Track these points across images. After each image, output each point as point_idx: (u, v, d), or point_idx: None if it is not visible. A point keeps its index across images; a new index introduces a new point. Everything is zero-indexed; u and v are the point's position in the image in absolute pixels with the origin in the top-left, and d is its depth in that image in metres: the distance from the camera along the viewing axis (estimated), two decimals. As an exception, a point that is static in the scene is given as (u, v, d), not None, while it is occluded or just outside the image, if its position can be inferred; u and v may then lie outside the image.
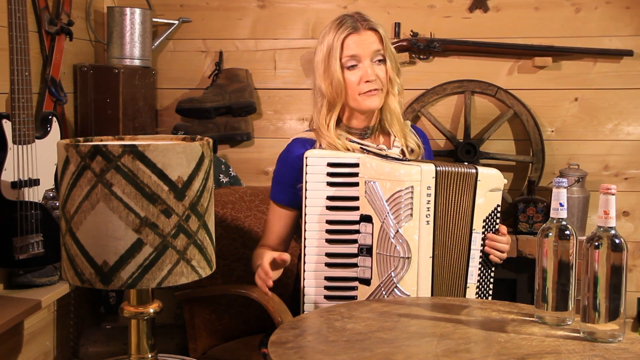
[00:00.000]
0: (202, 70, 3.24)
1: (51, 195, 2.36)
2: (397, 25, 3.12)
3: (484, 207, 2.00)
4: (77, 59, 2.92)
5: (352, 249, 1.96)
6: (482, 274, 2.03)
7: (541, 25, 3.10)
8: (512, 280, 2.99)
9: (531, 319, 1.68)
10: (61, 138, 2.42)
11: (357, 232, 1.96)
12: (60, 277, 2.47)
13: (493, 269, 2.06)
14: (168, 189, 1.74)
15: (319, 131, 2.08)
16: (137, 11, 3.00)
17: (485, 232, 2.01)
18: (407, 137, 2.15)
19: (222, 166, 3.05)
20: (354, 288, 1.96)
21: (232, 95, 3.10)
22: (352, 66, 2.03)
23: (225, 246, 2.44)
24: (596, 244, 1.52)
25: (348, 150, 2.05)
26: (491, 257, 2.03)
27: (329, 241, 1.96)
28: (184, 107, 3.09)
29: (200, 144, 1.81)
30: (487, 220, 2.02)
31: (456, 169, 1.96)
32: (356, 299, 1.95)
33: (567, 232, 1.62)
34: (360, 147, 2.08)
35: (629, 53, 3.04)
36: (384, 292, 1.91)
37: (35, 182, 2.31)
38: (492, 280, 2.06)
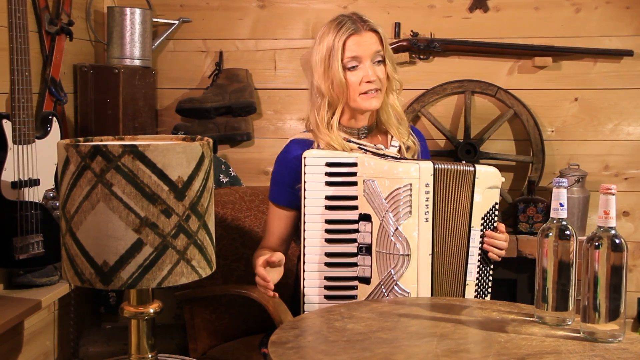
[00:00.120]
0: (202, 70, 3.24)
1: (51, 195, 2.36)
2: (397, 25, 3.12)
3: (482, 205, 2.00)
4: (77, 59, 2.92)
5: (352, 248, 1.96)
6: (481, 272, 2.03)
7: (541, 25, 3.10)
8: (512, 280, 2.99)
9: (531, 319, 1.68)
10: (61, 138, 2.42)
11: (357, 231, 1.96)
12: (60, 277, 2.47)
13: (492, 266, 2.06)
14: (168, 189, 1.74)
15: (317, 131, 2.08)
16: (137, 11, 2.99)
17: (484, 230, 2.02)
18: (402, 133, 2.14)
19: (222, 166, 3.04)
20: (353, 287, 1.96)
21: (232, 95, 3.10)
22: (353, 67, 2.04)
23: (225, 246, 2.44)
24: (596, 244, 1.53)
25: (346, 150, 2.05)
26: (490, 254, 2.03)
27: (328, 241, 1.97)
28: (184, 107, 3.08)
29: (200, 144, 1.81)
30: (486, 217, 2.02)
31: (454, 167, 1.97)
32: (356, 298, 1.96)
33: (567, 232, 1.62)
34: (358, 147, 2.08)
35: (629, 53, 3.04)
36: (384, 290, 1.92)
37: (35, 182, 2.31)
38: (491, 277, 2.07)
